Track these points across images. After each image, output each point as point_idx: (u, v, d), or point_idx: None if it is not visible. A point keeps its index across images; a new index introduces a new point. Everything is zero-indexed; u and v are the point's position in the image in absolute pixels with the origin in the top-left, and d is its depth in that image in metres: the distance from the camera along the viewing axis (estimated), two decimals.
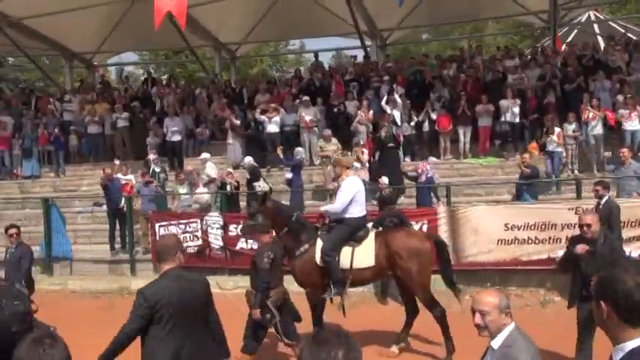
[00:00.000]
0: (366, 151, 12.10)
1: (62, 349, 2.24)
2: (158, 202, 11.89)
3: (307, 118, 14.15)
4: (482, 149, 13.61)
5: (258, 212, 6.29)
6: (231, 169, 12.07)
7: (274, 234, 6.35)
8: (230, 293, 10.10)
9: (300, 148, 13.13)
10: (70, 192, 15.36)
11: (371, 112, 13.75)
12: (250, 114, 15.33)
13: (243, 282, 10.41)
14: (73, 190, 15.53)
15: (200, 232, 10.75)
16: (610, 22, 24.67)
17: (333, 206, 6.72)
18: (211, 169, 12.66)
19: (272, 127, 14.43)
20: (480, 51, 16.98)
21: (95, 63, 22.50)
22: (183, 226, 10.89)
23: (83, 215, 13.90)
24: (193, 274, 4.18)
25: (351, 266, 6.47)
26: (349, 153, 12.30)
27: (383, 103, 13.90)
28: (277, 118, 14.48)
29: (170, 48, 25.38)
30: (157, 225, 11.06)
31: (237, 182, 11.84)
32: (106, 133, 16.66)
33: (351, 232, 6.58)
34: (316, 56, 20.99)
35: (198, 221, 10.80)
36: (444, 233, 9.27)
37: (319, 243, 6.47)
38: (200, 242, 10.73)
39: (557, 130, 12.17)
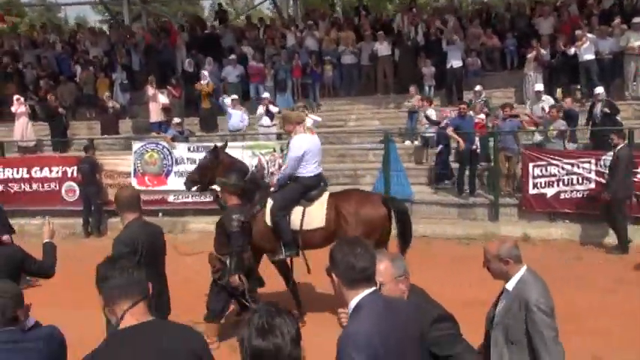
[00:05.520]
0: None
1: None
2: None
3: (637, 43, 12.18)
4: None
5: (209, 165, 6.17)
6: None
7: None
8: None
9: None
10: (336, 127, 14.29)
11: None
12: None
13: None
14: (340, 125, 14.45)
15: (594, 173, 9.30)
16: None
17: (284, 171, 6.21)
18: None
19: (587, 55, 12.59)
20: None
21: None
22: (569, 167, 9.47)
23: (375, 153, 12.76)
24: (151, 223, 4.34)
25: (300, 227, 5.98)
26: None
27: None
28: (588, 44, 12.61)
29: None
30: (530, 165, 9.71)
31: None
32: (362, 63, 15.35)
33: (302, 190, 6.08)
34: None
35: (593, 161, 9.33)
36: None
37: (269, 203, 6.03)
38: (593, 186, 9.30)
39: None
